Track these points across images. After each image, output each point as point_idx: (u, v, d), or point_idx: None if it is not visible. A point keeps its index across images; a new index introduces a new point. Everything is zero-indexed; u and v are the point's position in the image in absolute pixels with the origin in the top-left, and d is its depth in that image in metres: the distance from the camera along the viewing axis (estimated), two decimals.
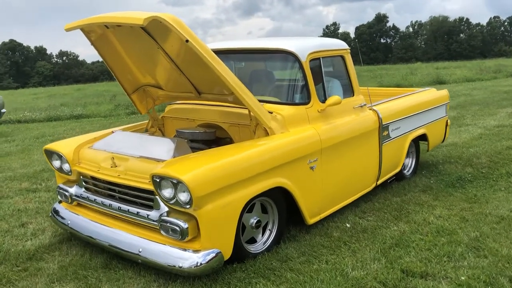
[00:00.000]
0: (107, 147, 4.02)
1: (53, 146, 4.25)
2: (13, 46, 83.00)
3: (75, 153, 4.12)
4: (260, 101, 4.22)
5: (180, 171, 3.22)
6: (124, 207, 3.69)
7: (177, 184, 3.20)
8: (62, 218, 4.17)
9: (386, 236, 4.15)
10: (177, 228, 3.28)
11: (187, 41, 3.36)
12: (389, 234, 4.19)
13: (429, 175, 6.08)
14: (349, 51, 4.91)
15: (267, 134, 3.99)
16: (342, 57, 4.82)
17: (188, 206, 3.24)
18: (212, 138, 4.30)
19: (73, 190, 4.14)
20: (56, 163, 4.24)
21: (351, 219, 4.58)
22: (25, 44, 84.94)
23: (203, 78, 4.03)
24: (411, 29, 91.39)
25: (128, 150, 3.83)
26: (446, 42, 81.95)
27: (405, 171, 6.01)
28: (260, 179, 3.61)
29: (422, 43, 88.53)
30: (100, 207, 3.89)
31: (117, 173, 3.71)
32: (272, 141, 3.89)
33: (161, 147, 3.71)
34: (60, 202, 4.35)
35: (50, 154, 4.26)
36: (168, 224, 3.34)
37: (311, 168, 4.11)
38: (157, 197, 3.44)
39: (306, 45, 4.52)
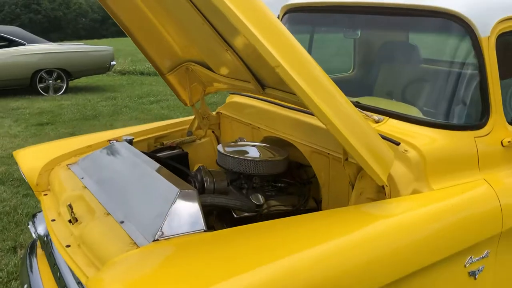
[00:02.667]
0: (85, 173, 2.26)
1: (20, 155, 2.61)
2: None
3: (44, 173, 2.43)
4: (380, 112, 2.12)
5: None
6: None
7: None
8: (30, 267, 2.57)
9: None
10: None
11: None
12: None
13: None
14: None
15: (381, 190, 1.88)
16: None
17: None
18: (279, 171, 2.29)
19: (42, 228, 2.50)
20: None
21: None
22: None
23: (264, 61, 2.00)
24: None
25: (104, 192, 2.03)
26: None
27: None
28: None
29: None
30: (53, 276, 2.19)
31: (69, 239, 1.93)
32: (388, 214, 1.76)
33: (150, 204, 1.82)
34: None
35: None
36: None
37: (472, 274, 1.90)
38: None
39: (491, 5, 2.20)
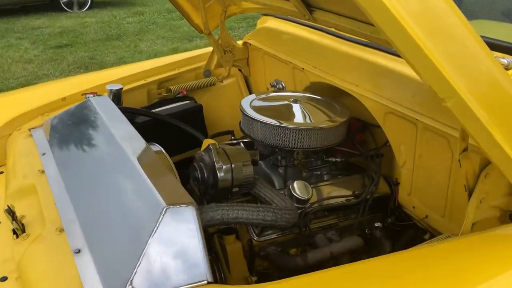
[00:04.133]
0: (48, 145, 1.55)
1: None
2: None
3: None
4: (503, 48, 1.26)
5: None
6: None
7: None
8: None
9: None
10: None
11: None
12: None
13: None
14: None
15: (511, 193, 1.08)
16: None
17: None
18: (334, 143, 1.50)
19: None
20: None
21: None
22: None
23: None
24: None
25: (64, 187, 1.32)
26: None
27: None
28: None
29: None
30: None
31: (9, 263, 1.25)
32: None
33: (123, 224, 1.10)
34: None
35: None
36: None
37: None
38: None
39: None
